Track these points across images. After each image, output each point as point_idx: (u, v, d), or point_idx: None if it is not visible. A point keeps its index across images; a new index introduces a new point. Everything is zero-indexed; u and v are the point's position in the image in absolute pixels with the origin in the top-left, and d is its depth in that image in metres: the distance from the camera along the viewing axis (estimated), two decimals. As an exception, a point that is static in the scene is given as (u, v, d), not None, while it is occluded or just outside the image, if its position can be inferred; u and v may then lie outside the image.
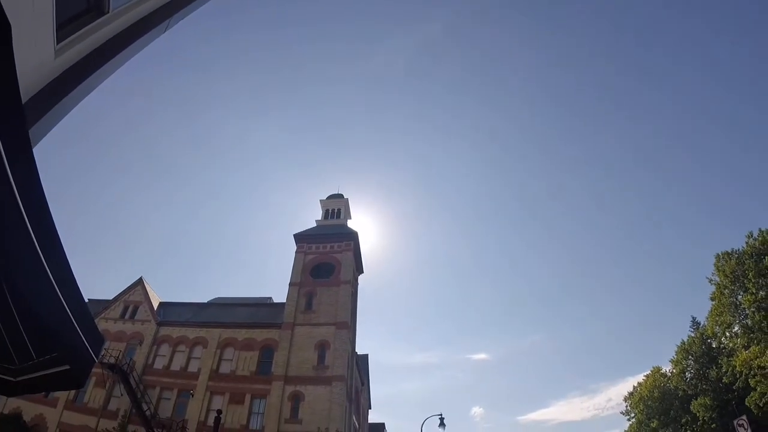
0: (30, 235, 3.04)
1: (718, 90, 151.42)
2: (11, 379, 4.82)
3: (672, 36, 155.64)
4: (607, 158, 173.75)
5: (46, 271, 3.30)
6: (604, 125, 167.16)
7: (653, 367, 74.02)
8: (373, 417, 66.09)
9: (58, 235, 3.42)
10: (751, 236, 50.32)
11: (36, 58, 4.53)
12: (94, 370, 35.08)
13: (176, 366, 41.98)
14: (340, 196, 55.44)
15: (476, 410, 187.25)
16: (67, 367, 4.18)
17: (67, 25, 5.00)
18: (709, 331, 56.56)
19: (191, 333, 43.54)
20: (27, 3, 4.03)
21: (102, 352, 37.40)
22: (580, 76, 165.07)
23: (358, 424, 48.11)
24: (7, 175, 2.70)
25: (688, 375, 63.35)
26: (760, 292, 46.62)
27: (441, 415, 34.24)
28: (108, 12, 5.63)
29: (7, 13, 2.50)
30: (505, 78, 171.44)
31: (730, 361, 50.61)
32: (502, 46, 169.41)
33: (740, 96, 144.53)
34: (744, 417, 47.06)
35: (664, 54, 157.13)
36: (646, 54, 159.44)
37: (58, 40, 4.83)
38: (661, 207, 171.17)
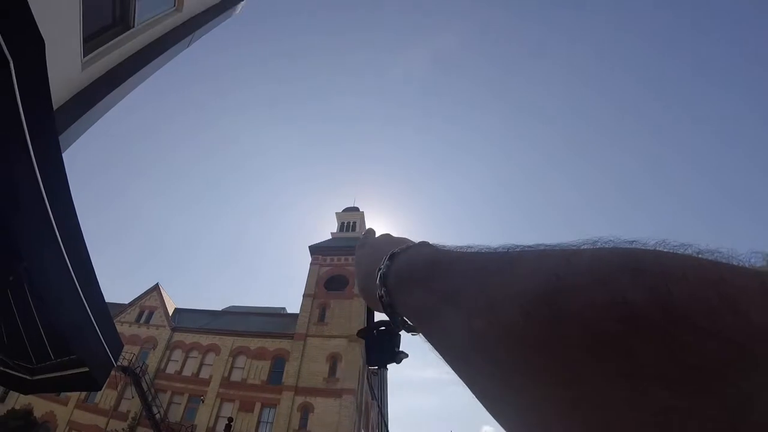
0: (56, 236, 3.17)
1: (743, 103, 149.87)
2: (28, 377, 4.96)
3: (699, 44, 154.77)
4: (623, 173, 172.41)
5: (71, 274, 3.42)
6: (621, 138, 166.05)
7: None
8: None
9: (83, 238, 3.54)
10: (770, 256, 49.79)
11: (64, 70, 4.70)
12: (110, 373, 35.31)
13: (188, 371, 42.07)
14: (356, 209, 55.46)
15: (486, 429, 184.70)
16: (86, 369, 4.30)
17: (93, 38, 5.18)
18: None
19: (204, 339, 43.66)
20: (55, 17, 4.21)
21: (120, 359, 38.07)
22: (597, 87, 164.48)
23: (367, 438, 47.86)
24: (37, 181, 2.84)
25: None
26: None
27: (452, 431, 33.98)
28: (133, 26, 5.82)
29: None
30: (522, 90, 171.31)
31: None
32: (518, 58, 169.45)
33: None
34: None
35: (686, 64, 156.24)
36: (668, 65, 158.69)
37: (85, 53, 5.00)
38: (679, 222, 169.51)
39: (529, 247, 0.48)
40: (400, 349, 1.14)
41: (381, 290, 0.68)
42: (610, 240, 0.39)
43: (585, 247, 0.40)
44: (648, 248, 0.34)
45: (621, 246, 0.37)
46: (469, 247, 0.58)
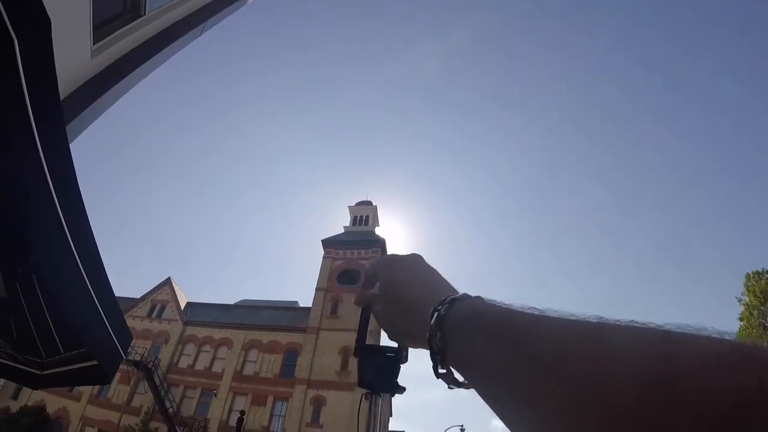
0: (64, 229, 3.08)
1: (753, 96, 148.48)
2: (38, 372, 4.89)
3: (718, 40, 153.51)
4: (638, 168, 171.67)
5: (79, 267, 3.33)
6: (636, 132, 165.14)
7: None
8: (393, 425, 65.88)
9: (91, 230, 3.46)
10: (785, 254, 49.38)
11: (73, 57, 4.60)
12: (119, 366, 35.72)
13: (200, 365, 42.32)
14: (369, 203, 55.43)
15: (497, 423, 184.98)
16: (96, 362, 4.23)
17: (103, 26, 5.08)
18: (737, 354, 55.47)
19: (217, 333, 43.86)
20: (65, 4, 4.11)
21: (130, 352, 37.61)
22: (616, 83, 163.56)
23: None
24: (44, 171, 2.74)
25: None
26: (790, 314, 45.69)
27: (462, 426, 34.03)
28: (144, 14, 5.71)
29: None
30: (538, 84, 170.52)
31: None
32: (534, 52, 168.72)
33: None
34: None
35: (708, 60, 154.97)
36: (693, 60, 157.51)
37: (95, 40, 4.90)
38: (691, 220, 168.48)
39: (617, 321, 0.48)
40: (399, 381, 1.06)
41: (436, 334, 0.67)
42: (703, 328, 0.41)
43: (684, 330, 0.42)
44: (745, 341, 0.35)
45: (720, 335, 0.39)
46: (533, 308, 0.59)
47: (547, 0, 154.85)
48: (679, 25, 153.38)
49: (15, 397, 39.53)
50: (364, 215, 53.83)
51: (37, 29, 2.48)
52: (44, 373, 4.85)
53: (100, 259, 3.67)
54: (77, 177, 3.17)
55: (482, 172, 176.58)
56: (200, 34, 7.19)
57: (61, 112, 2.93)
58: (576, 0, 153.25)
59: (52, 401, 38.49)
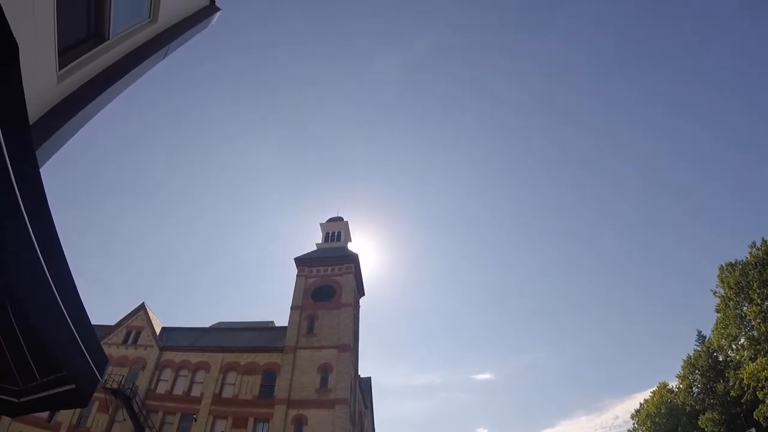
0: (38, 256, 3.10)
1: (721, 96, 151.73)
2: (14, 400, 4.85)
3: (665, 41, 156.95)
4: (607, 166, 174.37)
5: (53, 290, 3.35)
6: (602, 132, 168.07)
7: (659, 383, 73.46)
8: (377, 440, 65.42)
9: (64, 256, 3.48)
10: (755, 246, 50.01)
11: (39, 83, 4.62)
12: (97, 394, 35.31)
13: (179, 390, 41.76)
14: (340, 218, 55.40)
15: (481, 431, 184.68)
16: (73, 386, 4.22)
17: (68, 51, 5.09)
18: (715, 344, 56.03)
19: (193, 357, 43.37)
20: (30, 29, 4.12)
21: (106, 375, 36.89)
22: (574, 84, 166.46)
23: (362, 448, 47.64)
24: (16, 196, 2.77)
25: (695, 390, 62.81)
26: (765, 303, 46.30)
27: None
28: (108, 39, 5.74)
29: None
30: (499, 90, 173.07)
31: (738, 374, 50.02)
32: (493, 59, 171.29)
33: (744, 103, 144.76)
34: (753, 430, 46.84)
35: (658, 59, 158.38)
36: (640, 60, 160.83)
37: (60, 66, 4.92)
38: (664, 218, 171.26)
39: None
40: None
41: None
42: None
43: None
44: None
45: None
46: None
47: (501, 8, 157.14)
48: (642, 31, 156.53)
49: (-9, 429, 38.52)
50: (335, 231, 53.78)
51: (5, 54, 2.52)
52: (21, 400, 4.81)
53: (73, 280, 3.68)
54: (48, 201, 3.20)
55: (450, 182, 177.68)
56: (164, 57, 7.24)
57: (30, 137, 2.97)
58: (531, 6, 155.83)
59: (30, 433, 37.59)
